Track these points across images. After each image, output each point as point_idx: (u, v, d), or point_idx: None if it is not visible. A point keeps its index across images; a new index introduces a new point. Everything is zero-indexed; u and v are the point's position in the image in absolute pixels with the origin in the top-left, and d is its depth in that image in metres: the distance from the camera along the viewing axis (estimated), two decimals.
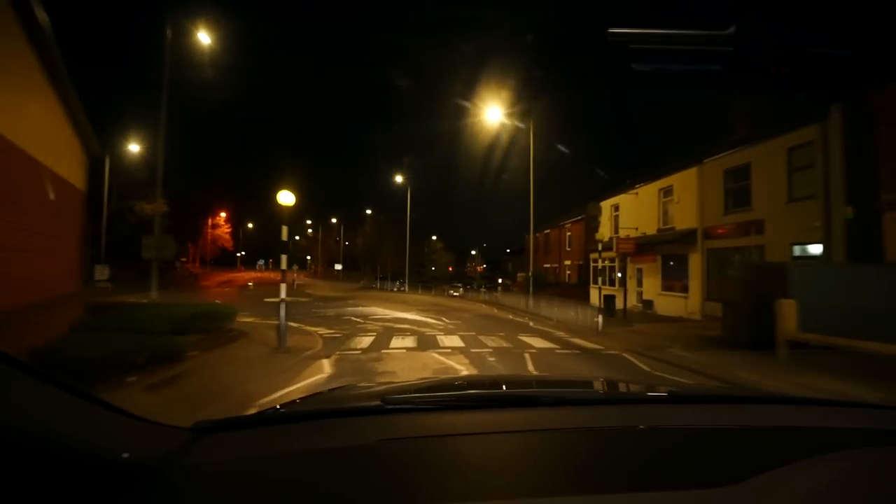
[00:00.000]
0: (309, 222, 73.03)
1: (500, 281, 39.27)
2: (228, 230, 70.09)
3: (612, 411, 1.17)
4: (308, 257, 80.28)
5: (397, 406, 1.12)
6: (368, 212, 53.31)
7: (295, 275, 38.12)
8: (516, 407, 1.17)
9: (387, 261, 40.65)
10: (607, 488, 0.71)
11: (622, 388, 1.75)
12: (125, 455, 0.70)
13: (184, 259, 49.08)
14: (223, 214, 68.40)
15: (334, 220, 68.70)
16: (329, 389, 1.60)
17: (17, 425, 0.55)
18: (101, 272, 26.25)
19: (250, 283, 34.72)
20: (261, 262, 69.37)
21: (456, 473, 0.77)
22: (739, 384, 6.49)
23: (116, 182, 31.34)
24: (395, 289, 38.23)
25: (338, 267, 64.89)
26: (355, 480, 0.75)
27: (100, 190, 28.43)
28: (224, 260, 73.44)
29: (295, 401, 1.37)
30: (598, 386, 1.74)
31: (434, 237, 52.74)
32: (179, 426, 0.92)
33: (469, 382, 1.89)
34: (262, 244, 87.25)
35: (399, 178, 36.71)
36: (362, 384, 1.89)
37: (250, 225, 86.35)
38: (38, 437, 0.57)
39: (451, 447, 0.89)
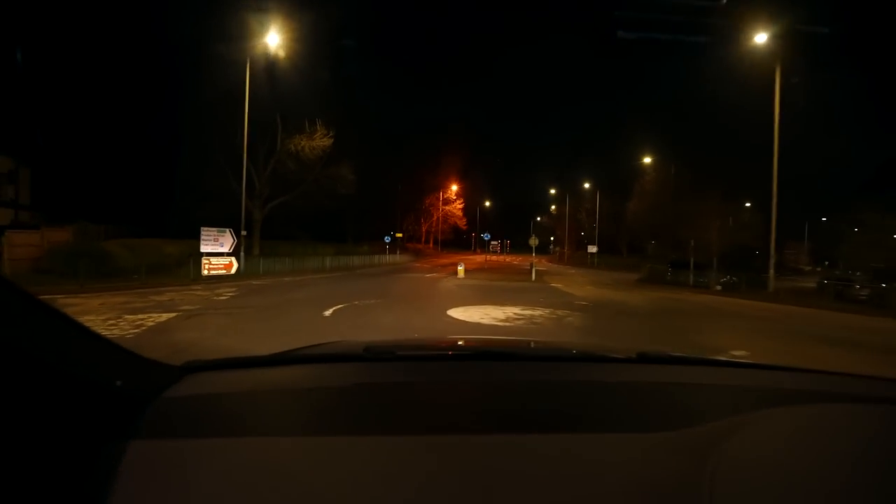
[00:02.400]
0: (553, 192, 57.04)
1: None
2: (460, 206, 60.51)
3: (577, 368, 1.25)
4: (552, 238, 65.21)
5: (376, 356, 1.18)
6: (646, 160, 33.50)
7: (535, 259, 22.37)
8: (486, 360, 1.22)
9: (702, 235, 20.55)
10: (556, 429, 0.77)
11: (592, 349, 1.59)
12: (118, 383, 0.74)
13: (399, 234, 39.59)
14: (454, 188, 58.95)
15: (587, 186, 50.60)
16: (322, 343, 1.47)
17: (21, 346, 0.59)
18: (213, 240, 15.88)
19: (460, 268, 20.51)
20: (495, 242, 57.15)
21: (419, 412, 0.85)
22: None
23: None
24: (736, 286, 18.09)
25: (592, 249, 47.28)
26: (328, 416, 0.82)
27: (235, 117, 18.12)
28: (457, 241, 64.65)
29: (286, 351, 1.26)
30: (571, 347, 1.65)
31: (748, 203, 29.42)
32: (171, 363, 0.95)
33: (454, 342, 1.86)
34: (500, 224, 76.85)
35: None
36: (358, 340, 1.59)
37: (487, 203, 76.50)
38: (39, 357, 0.60)
39: (418, 391, 0.96)
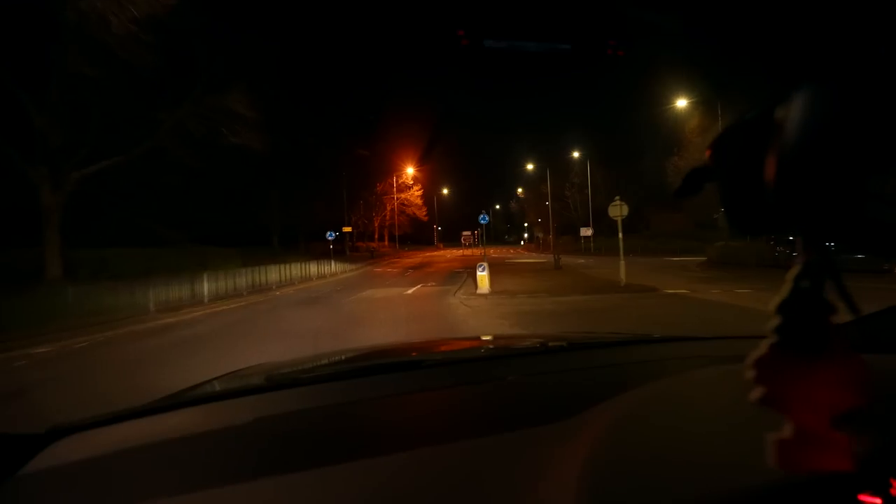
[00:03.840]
0: (530, 167, 47.60)
1: None
2: (419, 192, 49.86)
3: (484, 367, 1.25)
4: (526, 224, 56.16)
5: (279, 384, 1.11)
6: (681, 102, 24.40)
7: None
8: (399, 371, 1.19)
9: None
10: (463, 436, 0.74)
11: (502, 344, 1.78)
12: None
13: (348, 229, 28.38)
14: (410, 171, 48.20)
15: (576, 155, 41.66)
16: (222, 375, 1.35)
17: None
18: None
19: (482, 272, 9.97)
20: (466, 233, 46.88)
21: (333, 439, 0.78)
22: None
23: None
24: None
25: (586, 232, 38.64)
26: (225, 462, 0.72)
27: None
28: (416, 235, 54.03)
29: (173, 394, 1.13)
30: (477, 345, 1.78)
31: None
32: (31, 433, 0.82)
33: (365, 353, 1.74)
34: (461, 214, 66.52)
35: None
36: (271, 361, 1.67)
37: (445, 191, 66.00)
38: None
39: (331, 415, 0.90)
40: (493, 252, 41.41)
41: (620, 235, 11.14)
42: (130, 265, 12.53)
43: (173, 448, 0.77)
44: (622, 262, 10.96)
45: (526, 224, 60.78)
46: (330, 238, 23.25)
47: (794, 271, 0.35)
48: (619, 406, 0.77)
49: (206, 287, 10.75)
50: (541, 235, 51.23)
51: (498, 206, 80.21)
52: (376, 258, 34.61)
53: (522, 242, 67.95)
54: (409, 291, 12.16)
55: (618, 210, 10.86)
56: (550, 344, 1.38)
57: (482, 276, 10.51)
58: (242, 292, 12.39)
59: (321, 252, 23.60)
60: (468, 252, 43.80)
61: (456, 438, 0.73)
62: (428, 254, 44.95)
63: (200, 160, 12.23)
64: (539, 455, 0.65)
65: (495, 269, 17.90)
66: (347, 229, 27.85)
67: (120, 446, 0.78)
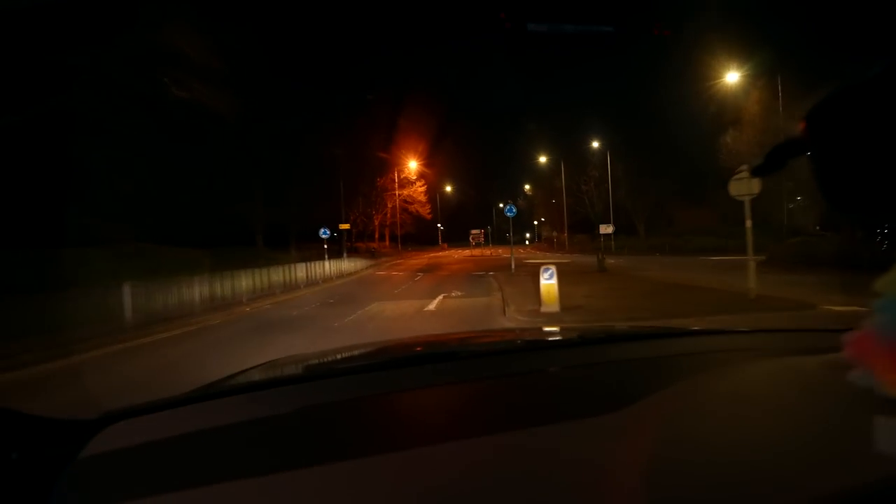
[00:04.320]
0: (542, 159, 44.06)
1: None
2: (423, 188, 46.28)
3: (523, 358, 1.24)
4: (536, 223, 52.46)
5: (317, 374, 1.13)
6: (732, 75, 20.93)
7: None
8: (434, 363, 1.19)
9: None
10: (506, 428, 0.73)
11: (539, 335, 1.76)
12: (14, 456, 0.67)
13: (346, 226, 24.73)
14: (413, 165, 44.60)
15: (596, 145, 38.08)
16: (259, 364, 1.35)
17: None
18: None
19: (548, 280, 6.36)
20: (475, 231, 43.25)
21: (374, 429, 0.79)
22: None
23: None
24: None
25: (606, 229, 35.16)
26: (270, 451, 0.73)
27: None
28: (419, 235, 50.44)
29: (217, 381, 1.16)
30: (513, 336, 1.77)
31: None
32: (84, 419, 0.85)
33: (400, 344, 1.79)
34: (464, 213, 62.87)
35: None
36: (306, 352, 1.67)
37: (449, 188, 62.23)
38: None
39: (370, 406, 0.90)
40: (504, 252, 37.97)
41: (749, 224, 7.54)
42: (35, 273, 8.93)
43: (223, 434, 0.77)
44: (752, 264, 7.39)
45: (536, 223, 57.32)
46: (324, 236, 19.66)
47: None
48: (673, 399, 0.75)
49: (128, 305, 7.16)
50: (554, 234, 47.66)
51: (502, 205, 76.75)
52: (377, 259, 31.07)
53: (527, 242, 64.49)
54: (431, 306, 8.63)
55: (744, 186, 7.30)
56: (589, 335, 1.38)
57: (549, 285, 6.94)
58: (195, 309, 8.82)
59: (314, 253, 20.04)
60: (477, 252, 40.36)
61: (499, 430, 0.71)
62: (433, 254, 41.39)
63: (138, 122, 8.67)
64: (596, 448, 0.64)
65: (524, 273, 14.38)
66: (345, 226, 24.22)
67: (169, 433, 0.78)
